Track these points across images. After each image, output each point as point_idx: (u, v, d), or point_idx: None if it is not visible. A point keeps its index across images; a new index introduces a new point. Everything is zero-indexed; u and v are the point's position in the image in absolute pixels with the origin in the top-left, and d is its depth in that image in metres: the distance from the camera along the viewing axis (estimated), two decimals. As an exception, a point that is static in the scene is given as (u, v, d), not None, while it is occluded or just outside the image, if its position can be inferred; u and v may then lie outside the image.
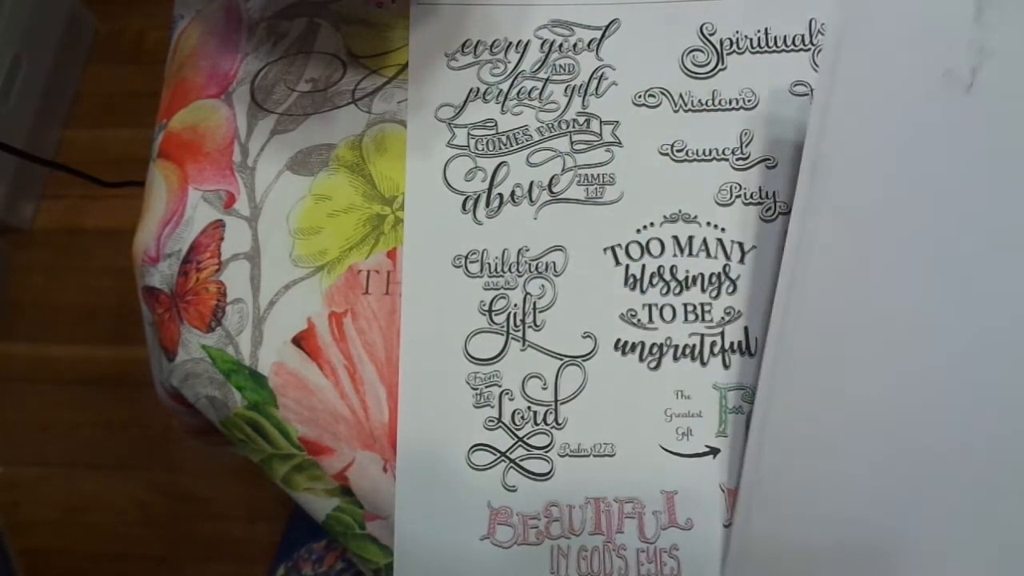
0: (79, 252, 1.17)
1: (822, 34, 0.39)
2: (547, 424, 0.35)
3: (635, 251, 0.36)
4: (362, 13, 0.42)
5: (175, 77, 0.43)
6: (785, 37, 0.39)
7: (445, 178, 0.38)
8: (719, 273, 0.36)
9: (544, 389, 0.35)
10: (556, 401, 0.35)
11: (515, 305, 0.36)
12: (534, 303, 0.36)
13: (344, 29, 0.41)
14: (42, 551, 1.04)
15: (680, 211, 0.37)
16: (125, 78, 1.22)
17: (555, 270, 0.36)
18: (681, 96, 0.38)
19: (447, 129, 0.39)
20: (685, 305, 0.36)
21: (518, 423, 0.35)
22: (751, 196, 0.37)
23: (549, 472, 0.34)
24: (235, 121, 0.40)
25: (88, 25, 1.26)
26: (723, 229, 0.36)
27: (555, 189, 0.38)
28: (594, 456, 0.34)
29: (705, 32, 0.39)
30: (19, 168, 1.14)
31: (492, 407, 0.35)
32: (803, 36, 0.39)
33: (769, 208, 0.36)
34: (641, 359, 0.35)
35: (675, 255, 0.36)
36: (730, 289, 0.36)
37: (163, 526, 1.05)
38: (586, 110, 0.38)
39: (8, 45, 1.10)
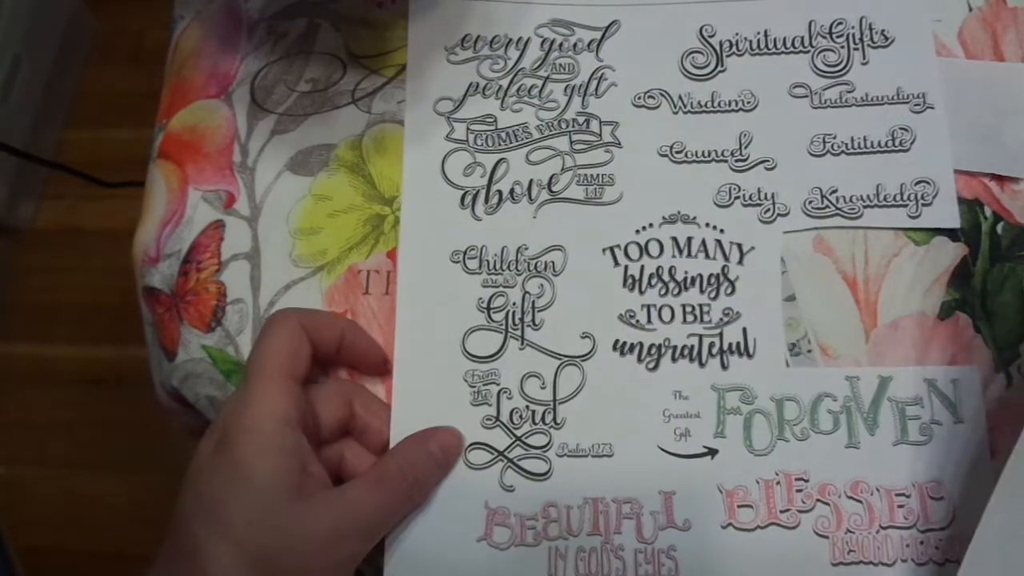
0: (79, 252, 1.17)
1: (821, 36, 0.39)
2: (545, 424, 0.35)
3: (634, 252, 0.37)
4: (362, 13, 0.42)
5: (175, 77, 0.43)
6: (784, 39, 0.39)
7: (443, 172, 0.38)
8: (718, 274, 0.36)
9: (543, 388, 0.35)
10: (555, 401, 0.35)
11: (514, 303, 0.36)
12: (533, 302, 0.36)
13: (344, 29, 0.41)
14: (42, 551, 1.04)
15: (679, 212, 0.37)
16: (125, 78, 1.22)
17: (554, 269, 0.37)
18: (680, 98, 0.38)
19: (446, 122, 0.39)
20: (683, 306, 0.36)
21: (516, 422, 0.35)
22: (750, 198, 0.37)
23: (547, 472, 0.34)
24: (235, 121, 0.40)
25: (88, 25, 1.26)
26: (722, 230, 0.36)
27: (554, 188, 0.38)
28: (592, 456, 0.34)
29: (705, 34, 0.39)
30: (19, 168, 1.14)
31: (490, 405, 0.35)
32: (802, 38, 0.39)
33: (768, 210, 0.37)
34: (639, 360, 0.35)
35: (674, 256, 0.36)
36: (728, 290, 0.36)
37: (163, 526, 1.05)
38: (586, 110, 0.39)
39: (8, 45, 1.10)
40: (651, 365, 0.35)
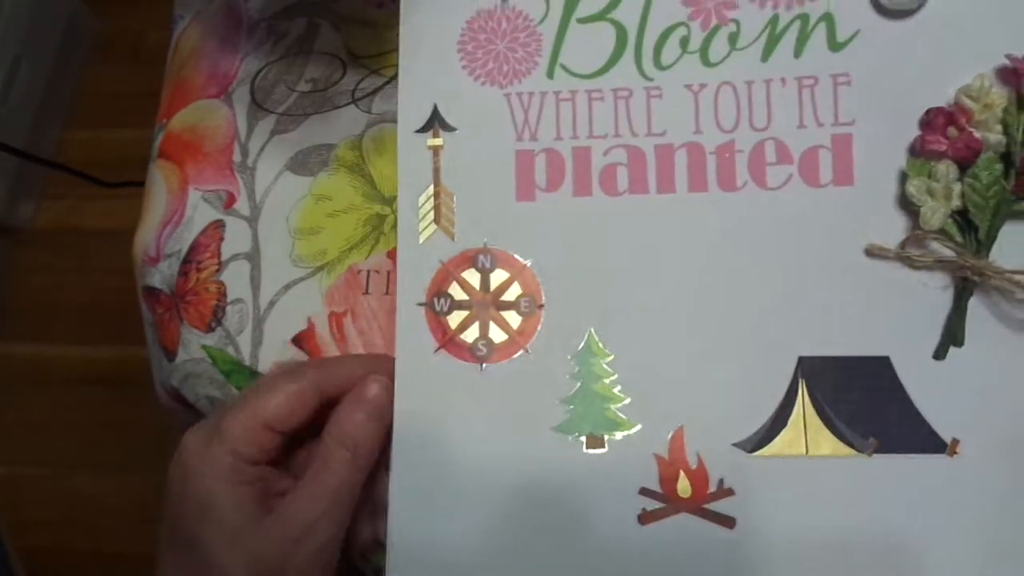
0: (79, 252, 1.17)
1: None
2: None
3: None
4: (362, 13, 0.42)
5: (175, 77, 0.43)
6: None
7: None
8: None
9: None
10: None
11: None
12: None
13: (344, 29, 0.41)
14: (42, 551, 1.04)
15: None
16: (125, 78, 1.22)
17: None
18: None
19: None
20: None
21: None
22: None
23: None
24: (235, 121, 0.40)
25: (88, 25, 1.26)
26: None
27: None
28: None
29: None
30: (19, 168, 1.14)
31: None
32: None
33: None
34: None
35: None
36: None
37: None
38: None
39: (8, 45, 1.10)
40: None
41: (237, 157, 0.40)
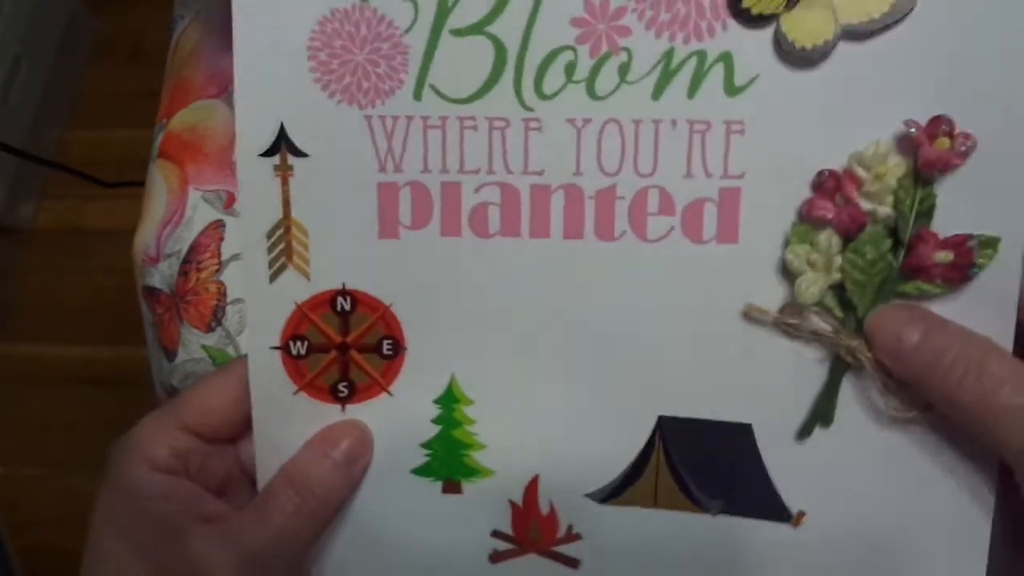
0: (79, 252, 1.17)
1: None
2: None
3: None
4: (362, 13, 0.41)
5: (175, 77, 0.43)
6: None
7: None
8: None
9: None
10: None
11: None
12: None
13: (344, 29, 0.41)
14: (42, 551, 1.04)
15: None
16: (125, 78, 1.23)
17: None
18: None
19: None
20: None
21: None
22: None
23: None
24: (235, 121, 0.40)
25: (88, 25, 1.26)
26: None
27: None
28: None
29: None
30: (19, 168, 1.14)
31: None
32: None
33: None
34: None
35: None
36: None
37: (163, 526, 1.05)
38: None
39: (8, 45, 1.10)
40: None
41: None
